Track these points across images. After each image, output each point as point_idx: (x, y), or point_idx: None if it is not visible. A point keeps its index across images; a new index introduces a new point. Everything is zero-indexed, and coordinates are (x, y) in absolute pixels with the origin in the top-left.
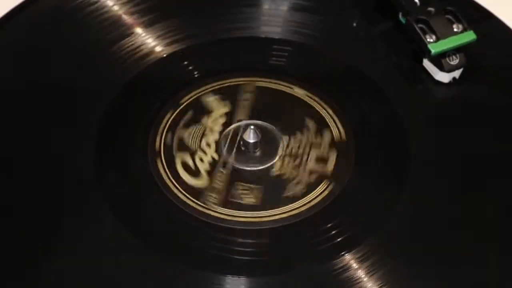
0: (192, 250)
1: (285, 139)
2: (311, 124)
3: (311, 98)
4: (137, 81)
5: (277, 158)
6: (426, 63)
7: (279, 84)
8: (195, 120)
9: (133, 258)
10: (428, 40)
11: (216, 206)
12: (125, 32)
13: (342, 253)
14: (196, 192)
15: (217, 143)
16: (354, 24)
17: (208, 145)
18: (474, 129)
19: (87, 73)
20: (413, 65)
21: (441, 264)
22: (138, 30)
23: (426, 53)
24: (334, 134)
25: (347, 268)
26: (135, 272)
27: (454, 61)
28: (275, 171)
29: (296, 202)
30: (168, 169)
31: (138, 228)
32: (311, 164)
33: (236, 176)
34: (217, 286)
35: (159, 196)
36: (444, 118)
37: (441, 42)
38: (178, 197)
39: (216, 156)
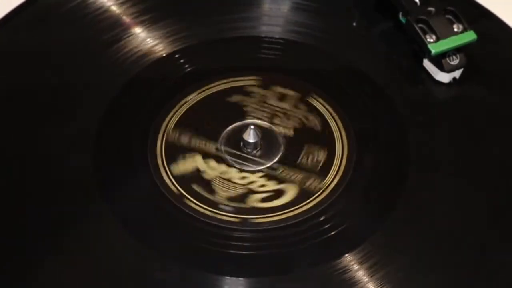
0: (191, 250)
1: (248, 119)
2: (235, 98)
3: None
4: (137, 81)
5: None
6: (426, 63)
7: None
8: (207, 184)
9: (132, 258)
10: (428, 40)
11: (324, 182)
12: (124, 32)
13: (342, 254)
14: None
15: (243, 170)
16: (354, 24)
17: (244, 177)
18: (474, 130)
19: (86, 73)
20: (413, 65)
21: (441, 265)
22: (137, 30)
23: (426, 53)
24: (254, 84)
25: (347, 269)
26: (134, 273)
27: (454, 61)
28: (288, 132)
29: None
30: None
31: (138, 228)
32: (284, 105)
33: (289, 162)
34: (216, 286)
35: (158, 196)
36: (444, 118)
37: (441, 42)
38: (178, 197)
39: (261, 174)
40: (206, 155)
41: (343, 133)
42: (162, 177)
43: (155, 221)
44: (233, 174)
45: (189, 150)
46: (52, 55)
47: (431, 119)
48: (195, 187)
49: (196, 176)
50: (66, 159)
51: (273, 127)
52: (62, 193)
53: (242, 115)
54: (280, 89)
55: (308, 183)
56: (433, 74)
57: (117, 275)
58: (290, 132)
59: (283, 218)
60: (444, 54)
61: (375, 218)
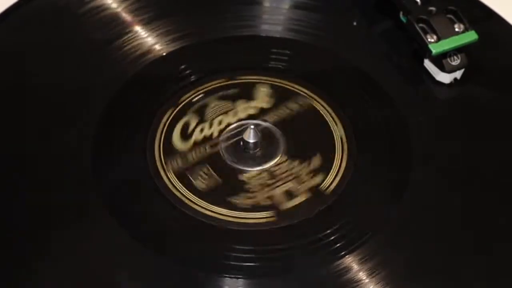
0: (191, 250)
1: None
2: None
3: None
4: (136, 80)
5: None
6: (427, 64)
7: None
8: (233, 97)
9: (131, 258)
10: (429, 40)
11: (170, 174)
12: (123, 30)
13: (343, 254)
14: (170, 153)
15: (227, 126)
16: (355, 23)
17: (220, 122)
18: (475, 130)
19: (84, 73)
20: (414, 66)
21: (442, 265)
22: (136, 29)
23: (427, 53)
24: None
25: (347, 270)
26: (133, 273)
27: (455, 61)
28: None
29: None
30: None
31: (137, 228)
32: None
33: (210, 160)
34: (216, 287)
35: (157, 196)
36: (445, 119)
37: (442, 42)
38: (178, 197)
39: (216, 135)
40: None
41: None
42: (161, 177)
43: (154, 221)
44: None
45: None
46: (50, 54)
47: (432, 119)
48: (174, 137)
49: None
50: (64, 159)
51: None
52: (60, 193)
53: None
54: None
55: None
56: (433, 75)
57: (116, 275)
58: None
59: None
60: (445, 54)
61: (376, 219)
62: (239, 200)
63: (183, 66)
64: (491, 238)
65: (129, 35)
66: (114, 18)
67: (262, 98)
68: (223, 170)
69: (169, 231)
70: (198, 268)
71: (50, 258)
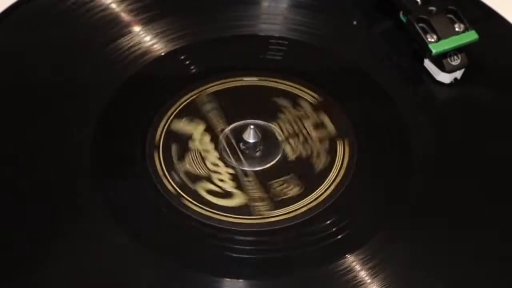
0: (191, 251)
1: (274, 125)
2: (283, 102)
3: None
4: (135, 80)
5: (282, 145)
6: (427, 64)
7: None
8: (185, 149)
9: (130, 259)
10: (429, 40)
11: (269, 212)
12: (122, 30)
13: (344, 254)
14: (241, 210)
15: (221, 159)
16: (355, 23)
17: (216, 164)
18: (476, 131)
19: (84, 72)
20: (414, 65)
21: (444, 265)
22: (135, 29)
23: (427, 53)
24: (309, 100)
25: (349, 270)
26: (132, 274)
27: (456, 61)
28: (291, 155)
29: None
30: (193, 198)
31: (137, 229)
32: (314, 133)
33: (263, 178)
34: None
35: (157, 196)
36: (445, 119)
37: (442, 42)
38: (177, 197)
39: (231, 170)
40: (209, 129)
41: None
42: (160, 177)
43: (153, 221)
44: (211, 157)
45: (201, 116)
46: (50, 54)
47: (432, 120)
48: (173, 146)
49: (184, 139)
50: (64, 159)
51: (281, 141)
52: (60, 193)
53: (274, 117)
54: (325, 118)
55: (256, 204)
56: (434, 75)
57: (115, 276)
58: (292, 156)
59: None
60: (445, 54)
61: (377, 219)
62: (321, 163)
63: (182, 66)
64: (492, 238)
65: (129, 35)
66: (114, 18)
67: (191, 127)
68: (277, 170)
69: (168, 231)
70: (198, 269)
71: (50, 258)
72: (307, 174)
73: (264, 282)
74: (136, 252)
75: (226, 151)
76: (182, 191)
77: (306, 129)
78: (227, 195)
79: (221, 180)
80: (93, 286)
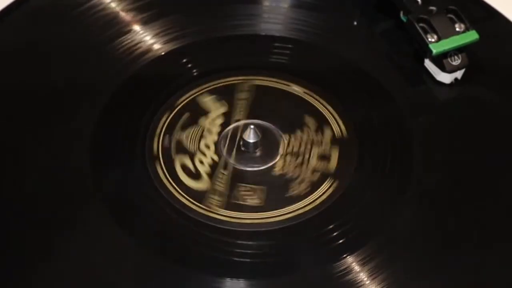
0: (193, 252)
1: (285, 137)
2: (311, 121)
3: (311, 96)
4: (134, 80)
5: (278, 157)
6: (428, 64)
7: (279, 82)
8: (193, 121)
9: (130, 260)
10: (429, 39)
11: (218, 209)
12: (122, 30)
13: (344, 255)
14: (197, 195)
15: (216, 144)
16: (355, 23)
17: (207, 146)
18: (476, 131)
19: (83, 72)
20: (414, 65)
21: (444, 266)
22: (135, 28)
23: (427, 53)
24: (335, 131)
25: (349, 270)
26: (134, 275)
27: (456, 61)
28: (277, 170)
29: (298, 203)
30: (167, 170)
31: (137, 229)
32: (314, 162)
33: (237, 177)
34: None
35: (157, 197)
36: (445, 119)
37: (443, 42)
38: (177, 198)
39: (216, 158)
40: (227, 114)
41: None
42: (160, 178)
43: (153, 221)
44: (209, 138)
45: (229, 100)
46: (49, 53)
47: (432, 120)
48: (186, 114)
49: (200, 113)
50: (63, 159)
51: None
52: (59, 193)
53: (292, 131)
54: (335, 154)
55: (212, 196)
56: (434, 75)
57: (114, 276)
58: (278, 172)
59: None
60: (446, 54)
61: (377, 219)
62: (296, 190)
63: (182, 65)
64: (492, 238)
65: (128, 34)
66: (113, 18)
67: (214, 106)
68: (255, 177)
69: (169, 232)
70: (198, 269)
71: (49, 259)
72: (277, 193)
73: (264, 283)
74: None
75: (226, 139)
76: (162, 154)
77: (310, 155)
78: (195, 176)
79: (201, 162)
80: (92, 286)
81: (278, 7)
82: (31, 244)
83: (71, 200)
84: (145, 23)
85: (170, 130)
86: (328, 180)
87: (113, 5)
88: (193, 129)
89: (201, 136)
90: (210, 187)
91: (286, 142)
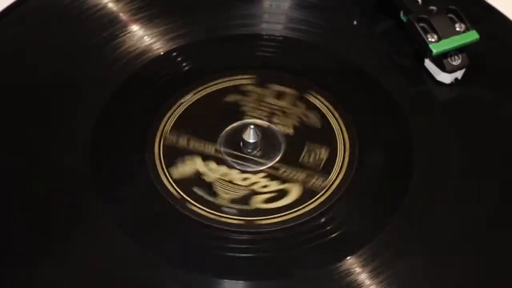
0: (190, 252)
1: (246, 119)
2: (232, 97)
3: (310, 94)
4: (133, 79)
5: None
6: (428, 64)
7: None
8: (208, 186)
9: (131, 262)
10: (430, 39)
11: (327, 181)
12: (121, 29)
13: (344, 256)
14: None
15: (243, 171)
16: (355, 23)
17: (245, 178)
18: (477, 132)
19: (82, 72)
20: (415, 65)
21: (444, 267)
22: (135, 27)
23: (427, 53)
24: (250, 82)
25: (349, 272)
26: (134, 277)
27: (456, 61)
28: (288, 130)
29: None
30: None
31: (136, 229)
32: (282, 103)
33: (291, 162)
34: None
35: (157, 197)
36: (446, 119)
37: (443, 41)
38: (177, 198)
39: (263, 174)
40: (206, 157)
41: (345, 133)
42: (160, 179)
43: (154, 224)
44: (235, 175)
45: (188, 152)
46: (46, 54)
47: (433, 120)
48: (197, 190)
49: (197, 179)
50: (62, 160)
51: (273, 126)
52: (58, 195)
53: (240, 114)
54: (277, 87)
55: (311, 182)
56: (434, 75)
57: (116, 279)
58: (290, 131)
59: (285, 220)
60: (446, 54)
61: (377, 220)
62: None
63: (182, 65)
64: (493, 238)
65: (128, 34)
66: (112, 17)
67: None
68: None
69: (168, 232)
70: (198, 270)
71: (49, 259)
72: (315, 134)
73: (264, 284)
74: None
75: (239, 163)
76: (244, 217)
77: (274, 105)
78: (282, 194)
79: (265, 186)
80: (92, 286)
81: (278, 6)
82: (31, 244)
83: (71, 199)
84: (144, 23)
85: (216, 206)
86: (307, 95)
87: (112, 4)
88: (219, 186)
89: (230, 181)
90: (299, 183)
91: (253, 118)
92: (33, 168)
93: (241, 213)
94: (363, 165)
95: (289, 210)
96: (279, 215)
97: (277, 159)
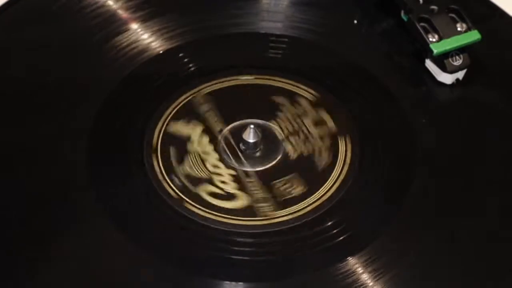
0: (191, 254)
1: (273, 124)
2: (281, 100)
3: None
4: (133, 78)
5: (282, 144)
6: (429, 64)
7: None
8: (183, 151)
9: (131, 260)
10: (431, 39)
11: (275, 212)
12: (120, 28)
13: (346, 257)
14: (246, 211)
15: (222, 160)
16: (355, 22)
17: (216, 166)
18: (477, 132)
19: (81, 70)
20: (415, 66)
21: (446, 268)
22: (134, 26)
23: (428, 53)
24: (307, 97)
25: (351, 272)
26: (133, 275)
27: (458, 61)
28: (293, 154)
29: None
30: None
31: (135, 230)
32: (315, 130)
33: (265, 178)
34: None
35: (156, 197)
36: (447, 120)
37: (444, 41)
38: (176, 199)
39: (232, 172)
40: (207, 130)
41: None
42: (158, 178)
43: (153, 223)
44: (211, 159)
45: (199, 117)
46: (46, 52)
47: (434, 121)
48: (172, 149)
49: (181, 141)
50: (61, 157)
51: (283, 142)
52: (56, 193)
53: (271, 116)
54: (324, 115)
55: (260, 205)
56: (435, 75)
57: (114, 277)
58: (294, 155)
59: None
60: (447, 54)
61: (379, 221)
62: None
63: (182, 64)
64: (493, 238)
65: (127, 32)
66: (111, 16)
67: (189, 129)
68: (279, 170)
69: (167, 233)
70: (197, 271)
71: (49, 259)
72: (310, 173)
73: (264, 285)
74: (135, 254)
75: (226, 152)
76: (183, 194)
77: (306, 127)
78: (230, 197)
79: (223, 182)
80: (92, 286)
81: (278, 4)
82: (28, 244)
83: (70, 200)
84: (143, 21)
85: (170, 170)
86: (339, 138)
87: (111, 3)
88: (190, 158)
89: (203, 160)
90: (251, 199)
91: (278, 127)
92: (32, 167)
93: (182, 189)
94: (364, 165)
95: (224, 214)
96: (210, 211)
97: (256, 169)
